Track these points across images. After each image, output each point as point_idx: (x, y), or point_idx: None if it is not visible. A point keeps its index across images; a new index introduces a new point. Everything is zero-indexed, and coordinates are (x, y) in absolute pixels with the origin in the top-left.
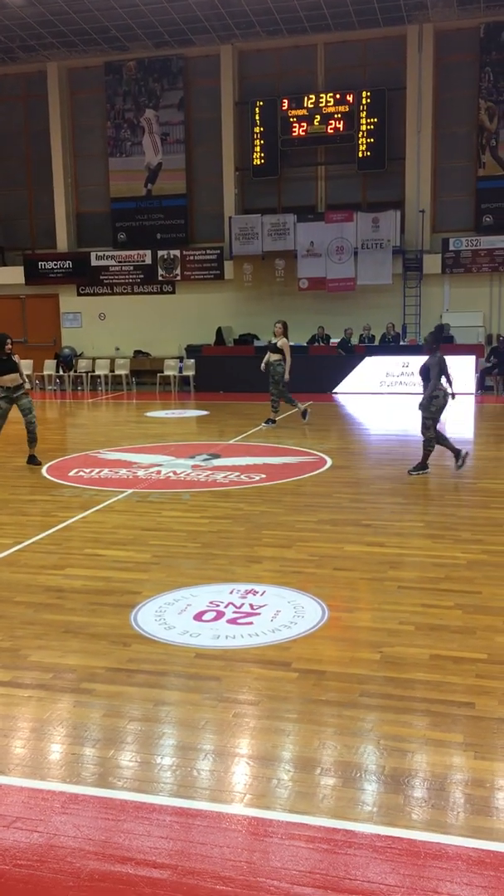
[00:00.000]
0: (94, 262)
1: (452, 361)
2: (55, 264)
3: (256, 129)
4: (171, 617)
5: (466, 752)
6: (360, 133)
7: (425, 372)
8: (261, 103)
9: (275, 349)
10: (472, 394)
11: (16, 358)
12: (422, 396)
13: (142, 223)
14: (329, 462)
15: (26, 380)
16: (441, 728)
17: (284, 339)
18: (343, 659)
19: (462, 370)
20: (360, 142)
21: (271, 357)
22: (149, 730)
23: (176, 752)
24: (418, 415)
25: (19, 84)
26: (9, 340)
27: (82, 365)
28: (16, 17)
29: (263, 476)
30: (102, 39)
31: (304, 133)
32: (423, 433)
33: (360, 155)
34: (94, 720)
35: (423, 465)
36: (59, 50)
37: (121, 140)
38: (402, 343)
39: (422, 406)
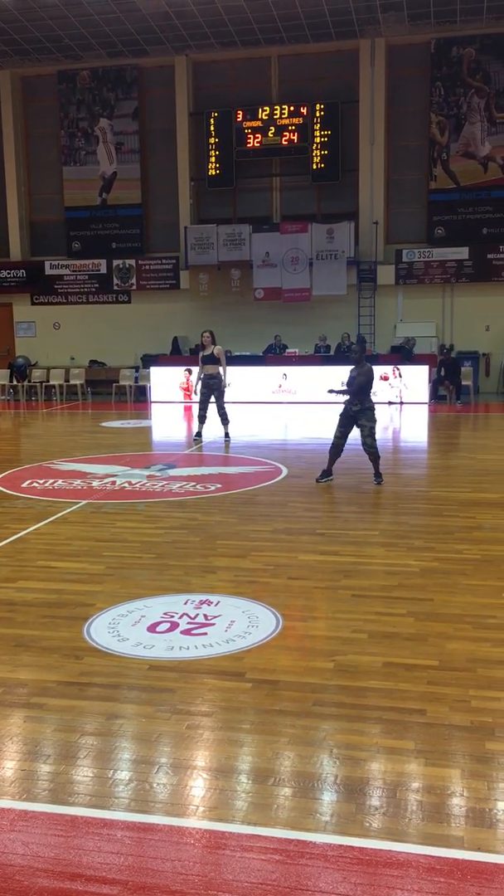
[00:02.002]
0: (48, 271)
1: (406, 371)
2: (8, 273)
3: (211, 140)
4: (125, 629)
5: (418, 759)
6: (315, 145)
7: (357, 382)
8: (215, 114)
9: (211, 360)
10: (425, 403)
11: None
12: (353, 408)
13: (97, 232)
14: (284, 471)
15: None
16: (393, 735)
17: (219, 347)
18: (297, 668)
19: (416, 380)
20: (314, 153)
21: (206, 370)
22: (101, 744)
23: (129, 765)
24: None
25: None
26: None
27: (36, 375)
28: None
29: (219, 486)
30: (56, 48)
31: (258, 144)
32: (370, 444)
33: (315, 167)
34: (46, 735)
35: (379, 474)
36: (12, 58)
37: (75, 149)
38: None
39: (368, 416)
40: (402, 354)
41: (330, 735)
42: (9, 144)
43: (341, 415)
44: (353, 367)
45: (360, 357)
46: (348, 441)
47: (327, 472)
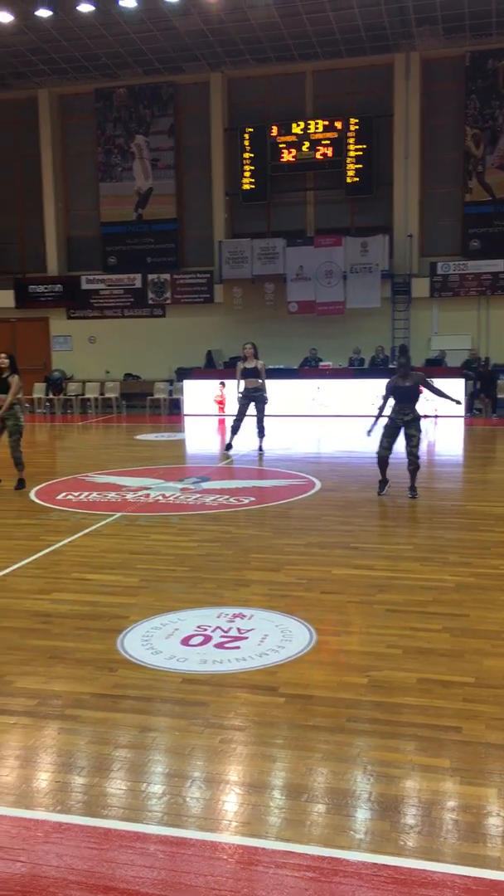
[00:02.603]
0: (84, 286)
1: (442, 384)
2: (45, 288)
3: (246, 155)
4: (159, 642)
5: (454, 777)
6: (349, 159)
7: (415, 394)
8: (250, 129)
9: (253, 374)
10: (461, 416)
11: (12, 379)
12: (405, 417)
13: (132, 247)
14: (318, 485)
15: (8, 402)
16: (428, 753)
17: (262, 361)
18: (330, 683)
19: (452, 393)
20: (348, 167)
21: (248, 384)
22: (134, 757)
23: (162, 779)
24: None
25: (11, 110)
26: (2, 356)
27: (72, 388)
28: (8, 44)
29: (253, 499)
30: (93, 67)
31: (293, 159)
32: (418, 455)
33: (349, 180)
34: (80, 747)
35: (414, 488)
36: (51, 77)
37: (111, 165)
38: (391, 366)
39: (418, 426)
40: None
41: (364, 751)
42: (47, 162)
43: (386, 426)
44: (392, 378)
45: (408, 367)
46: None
47: (385, 481)
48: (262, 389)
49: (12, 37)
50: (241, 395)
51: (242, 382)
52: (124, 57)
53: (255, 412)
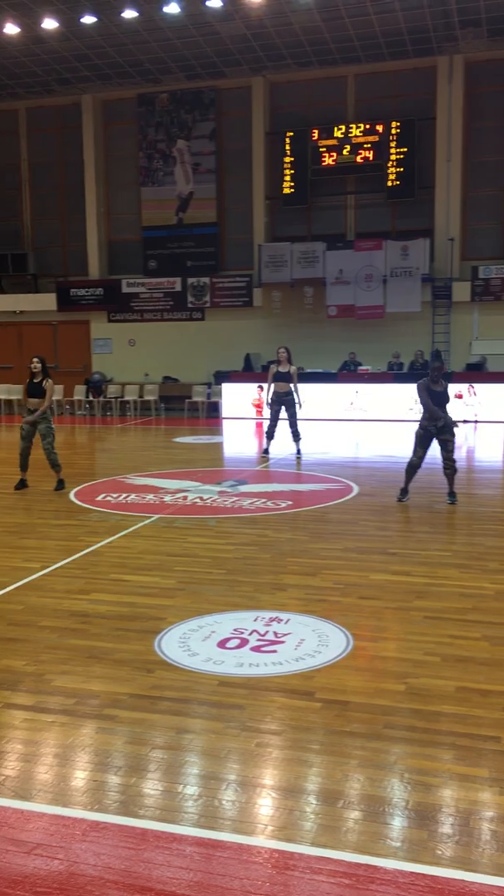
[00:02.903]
0: (124, 290)
1: (482, 389)
2: (87, 291)
3: (287, 159)
4: (195, 644)
5: (492, 788)
6: (390, 162)
7: (447, 399)
8: (291, 133)
9: (285, 378)
10: (502, 422)
11: (46, 384)
12: (437, 423)
13: (172, 251)
14: (356, 489)
15: (44, 407)
16: (466, 762)
17: (294, 366)
18: (367, 689)
19: (493, 398)
20: (389, 171)
21: (279, 388)
22: (171, 758)
23: (198, 781)
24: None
25: (55, 116)
26: (35, 360)
27: (112, 390)
28: (53, 51)
29: (290, 503)
30: (136, 72)
31: (333, 162)
32: (454, 460)
33: (390, 184)
34: (117, 747)
35: (454, 493)
36: (94, 83)
37: (153, 170)
38: None
39: (451, 431)
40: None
41: (401, 759)
42: (90, 166)
43: (419, 434)
44: (424, 381)
45: (440, 371)
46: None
47: (405, 491)
48: (292, 394)
49: (57, 43)
50: (272, 400)
51: (273, 386)
52: (167, 62)
53: (286, 416)
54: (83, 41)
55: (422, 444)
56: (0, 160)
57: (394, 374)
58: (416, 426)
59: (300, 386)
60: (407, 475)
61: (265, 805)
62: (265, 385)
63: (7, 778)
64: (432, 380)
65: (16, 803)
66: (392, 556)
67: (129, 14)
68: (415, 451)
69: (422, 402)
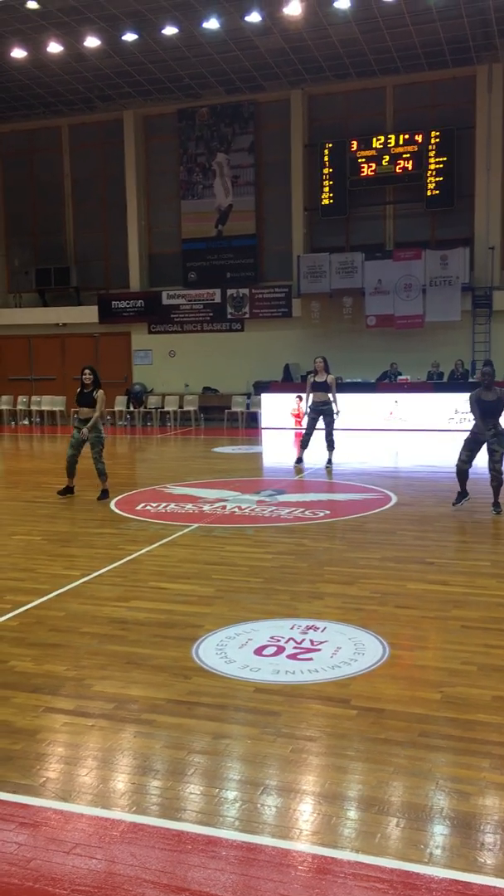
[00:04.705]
0: (165, 301)
1: None
2: (128, 303)
3: (325, 170)
4: (232, 651)
5: None
6: (429, 172)
7: (498, 408)
8: (330, 145)
9: (323, 387)
10: None
11: (97, 394)
12: (487, 432)
13: (212, 262)
14: (394, 499)
15: (96, 416)
16: (503, 771)
17: (332, 376)
18: (403, 698)
19: None
20: (428, 180)
21: (317, 398)
22: (207, 762)
23: (234, 785)
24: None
25: (97, 132)
26: (86, 371)
27: (152, 401)
28: (95, 68)
29: (328, 512)
30: (176, 87)
31: (372, 173)
32: (500, 470)
33: (429, 193)
34: (155, 751)
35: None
36: (135, 99)
37: (193, 183)
38: (471, 380)
39: (501, 441)
40: None
41: (437, 767)
42: (131, 181)
43: (468, 440)
44: (475, 391)
45: (491, 378)
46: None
47: (463, 493)
48: (330, 403)
49: (99, 61)
50: (309, 409)
51: (311, 396)
52: (207, 77)
53: (323, 426)
54: (124, 58)
55: (468, 447)
56: (44, 177)
57: (433, 383)
58: (458, 435)
59: (338, 395)
60: (459, 480)
61: (300, 810)
62: (304, 395)
63: (48, 780)
64: (485, 387)
65: (56, 804)
66: (430, 566)
67: (170, 31)
68: (459, 455)
69: (473, 415)
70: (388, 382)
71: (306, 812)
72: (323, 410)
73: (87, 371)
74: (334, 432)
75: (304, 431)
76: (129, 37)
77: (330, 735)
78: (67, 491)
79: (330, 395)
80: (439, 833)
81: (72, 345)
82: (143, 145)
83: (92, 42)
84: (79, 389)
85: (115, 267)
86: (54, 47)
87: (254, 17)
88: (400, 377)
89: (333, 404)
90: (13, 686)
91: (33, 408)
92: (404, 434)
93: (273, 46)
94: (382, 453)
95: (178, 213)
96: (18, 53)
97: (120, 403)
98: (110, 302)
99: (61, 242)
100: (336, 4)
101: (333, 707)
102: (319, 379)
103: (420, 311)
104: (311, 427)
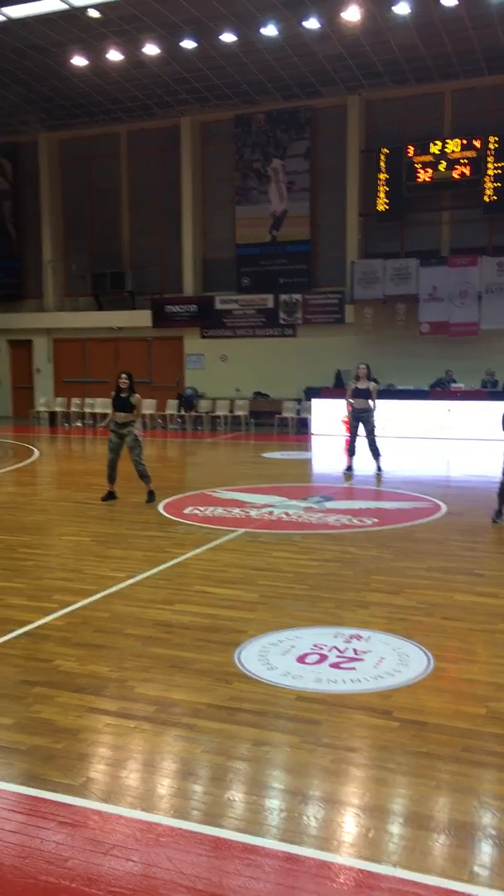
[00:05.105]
0: (217, 306)
1: None
2: (181, 308)
3: (381, 176)
4: (275, 657)
5: None
6: (487, 177)
7: None
8: (386, 150)
9: (364, 394)
10: None
11: (135, 398)
12: None
13: (265, 268)
14: (444, 508)
15: (138, 421)
16: None
17: (374, 384)
18: (447, 711)
19: None
20: (486, 186)
21: (358, 404)
22: (246, 769)
23: (273, 793)
24: None
25: (154, 138)
26: (122, 376)
27: (203, 405)
28: (154, 75)
29: (376, 520)
30: (233, 94)
31: (429, 178)
32: None
33: (487, 199)
34: (194, 755)
35: None
36: (193, 105)
37: (248, 189)
38: None
39: None
40: None
41: (480, 783)
42: (187, 187)
43: None
44: None
45: None
46: None
47: (500, 513)
48: (369, 410)
49: (158, 68)
50: (350, 416)
51: (352, 402)
52: (264, 83)
53: (363, 433)
54: (183, 65)
55: None
56: (102, 183)
57: (488, 391)
58: None
59: (391, 402)
60: (499, 498)
61: (339, 821)
62: (345, 400)
63: (89, 780)
64: None
65: (96, 804)
66: (478, 577)
67: (228, 37)
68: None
69: None
70: (441, 390)
71: (345, 824)
72: (362, 417)
73: (123, 376)
74: (377, 439)
75: (349, 439)
76: (188, 44)
77: (371, 746)
78: (110, 496)
79: (371, 402)
80: (483, 851)
81: (125, 349)
82: (199, 151)
83: (151, 49)
84: (114, 393)
85: (170, 272)
86: (114, 55)
87: (312, 23)
88: (454, 385)
89: (373, 412)
90: (58, 685)
91: (86, 410)
92: (457, 443)
93: (331, 52)
94: (433, 462)
95: (233, 219)
96: (80, 62)
97: (171, 407)
98: (164, 306)
99: (117, 247)
100: (395, 9)
101: (375, 718)
102: (361, 386)
103: (475, 319)
104: (354, 434)
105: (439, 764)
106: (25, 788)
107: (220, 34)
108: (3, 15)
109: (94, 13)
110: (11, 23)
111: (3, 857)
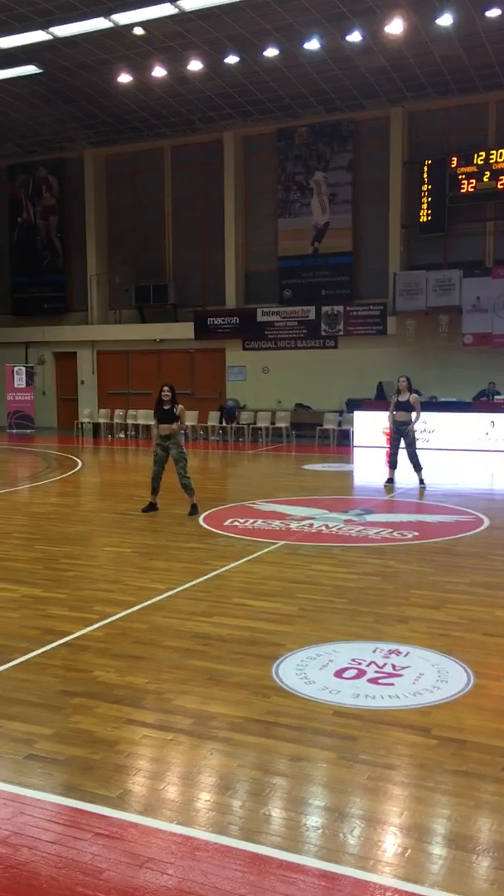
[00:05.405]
0: (259, 318)
1: None
2: (223, 320)
3: (424, 187)
4: (312, 672)
5: None
6: None
7: None
8: (429, 162)
9: (406, 407)
10: None
11: (178, 410)
12: None
13: (307, 280)
14: (487, 522)
15: (182, 432)
16: None
17: (415, 395)
18: (487, 730)
19: None
20: None
21: (399, 417)
22: (283, 784)
23: (310, 809)
24: None
25: (198, 153)
26: (165, 389)
27: (244, 417)
28: (197, 91)
29: (416, 534)
30: (276, 108)
31: (472, 189)
32: None
33: None
34: (231, 769)
35: None
36: (235, 120)
37: (290, 202)
38: None
39: None
40: None
41: None
42: (230, 200)
43: None
44: None
45: None
46: None
47: None
48: (408, 423)
49: (202, 83)
50: (392, 429)
51: (394, 415)
52: (306, 97)
53: (404, 445)
54: (226, 80)
55: None
56: (146, 197)
57: None
58: None
59: (434, 415)
60: None
61: (376, 840)
62: (388, 413)
63: (125, 792)
64: None
65: (131, 817)
66: None
67: (271, 52)
68: None
69: None
70: (485, 401)
71: (382, 842)
72: (402, 430)
73: (165, 388)
74: (417, 452)
75: (390, 452)
76: (231, 59)
77: (409, 764)
78: (151, 508)
79: (413, 415)
80: None
81: (168, 360)
82: (241, 165)
83: (195, 65)
84: (159, 406)
85: (212, 284)
86: (158, 71)
87: (354, 37)
88: (497, 397)
89: (413, 424)
90: (96, 696)
91: (129, 421)
92: (501, 455)
93: (373, 65)
94: (477, 475)
95: (275, 232)
96: (125, 78)
97: (213, 419)
98: (206, 319)
99: (161, 260)
100: (438, 21)
101: (413, 735)
102: (402, 398)
103: None
104: (396, 446)
105: (478, 783)
106: (63, 799)
107: (264, 49)
108: (51, 34)
109: (138, 31)
110: (58, 42)
111: (41, 867)
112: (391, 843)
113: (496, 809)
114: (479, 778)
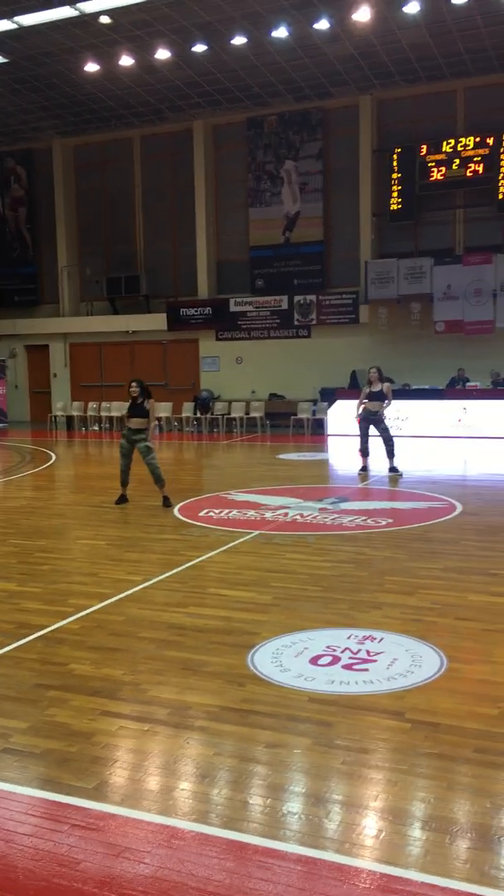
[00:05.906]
0: (232, 308)
1: None
2: (196, 311)
3: (394, 176)
4: (288, 659)
5: None
6: (501, 175)
7: None
8: (399, 150)
9: (378, 397)
10: None
11: (149, 403)
12: None
13: (279, 269)
14: (459, 508)
15: (152, 426)
16: None
17: (387, 384)
18: (459, 712)
19: None
20: (500, 183)
21: (372, 406)
22: (259, 771)
23: (284, 796)
24: None
25: (167, 142)
26: (133, 384)
27: (219, 407)
28: (165, 80)
29: (390, 521)
30: (245, 96)
31: (442, 177)
32: None
33: (501, 196)
34: (207, 758)
35: None
36: (204, 109)
37: (261, 191)
38: None
39: None
40: None
41: (493, 784)
42: (200, 190)
43: None
44: None
45: None
46: None
47: None
48: (378, 412)
49: (170, 72)
50: (361, 417)
51: (364, 404)
52: (275, 85)
53: (376, 433)
54: (194, 69)
55: None
56: (115, 187)
57: (503, 391)
58: None
59: (408, 402)
60: None
61: (352, 823)
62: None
63: (102, 783)
64: None
65: (106, 807)
66: (493, 577)
67: (239, 40)
68: None
69: None
70: (457, 389)
71: (358, 826)
72: (372, 420)
73: (133, 384)
74: (393, 438)
75: (360, 440)
76: (199, 48)
77: (384, 748)
78: (122, 500)
79: (384, 403)
80: (497, 853)
81: (141, 352)
82: (211, 154)
83: (162, 54)
84: (130, 401)
85: (184, 275)
86: (126, 60)
87: (322, 25)
88: (469, 384)
89: (384, 409)
90: (72, 689)
91: (103, 414)
92: (473, 442)
93: (342, 53)
94: (449, 461)
95: (246, 221)
96: (92, 68)
97: (187, 410)
98: (179, 309)
99: (132, 251)
100: (405, 9)
101: (388, 719)
102: (375, 389)
103: (491, 317)
104: (365, 435)
105: (452, 765)
106: (39, 792)
107: (231, 38)
108: (16, 23)
109: (105, 19)
110: (24, 31)
111: (17, 859)
112: (368, 826)
113: (469, 790)
114: (453, 760)
